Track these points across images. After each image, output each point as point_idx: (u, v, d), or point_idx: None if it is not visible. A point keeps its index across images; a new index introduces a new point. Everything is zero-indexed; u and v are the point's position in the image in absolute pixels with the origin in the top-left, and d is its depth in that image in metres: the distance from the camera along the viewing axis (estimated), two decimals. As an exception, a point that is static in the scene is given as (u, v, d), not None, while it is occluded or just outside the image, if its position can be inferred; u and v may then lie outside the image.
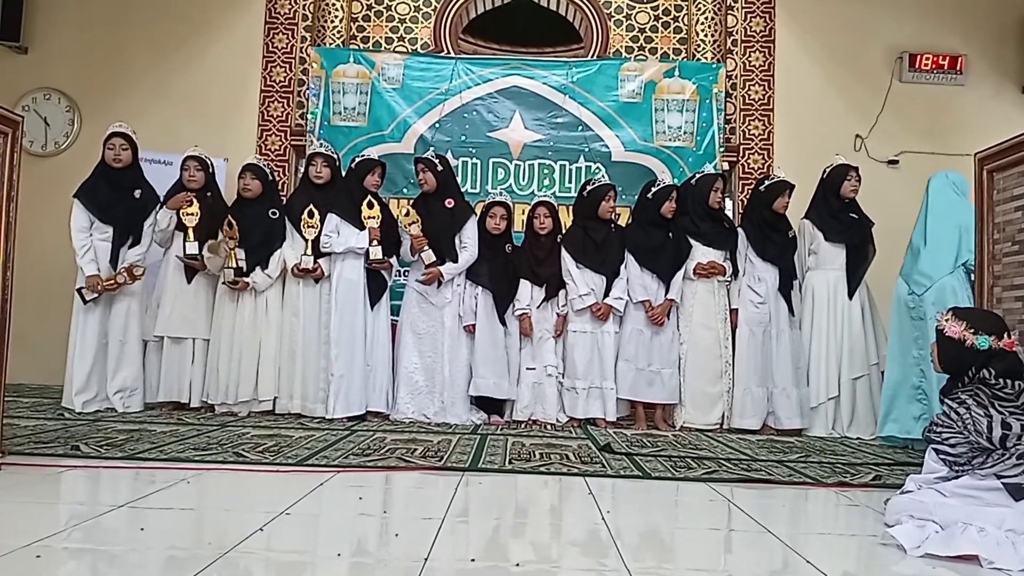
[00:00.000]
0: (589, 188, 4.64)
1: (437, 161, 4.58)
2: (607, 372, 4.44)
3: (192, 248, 4.38)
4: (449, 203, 4.55)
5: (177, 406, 4.43)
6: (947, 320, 2.30)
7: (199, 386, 4.43)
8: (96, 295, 4.23)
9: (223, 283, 4.38)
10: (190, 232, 4.37)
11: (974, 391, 2.18)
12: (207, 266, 4.42)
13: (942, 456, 2.16)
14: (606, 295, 4.48)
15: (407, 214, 4.48)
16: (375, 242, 4.37)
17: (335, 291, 4.36)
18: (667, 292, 4.47)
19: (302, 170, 4.93)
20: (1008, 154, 3.00)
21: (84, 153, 5.31)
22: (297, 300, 4.41)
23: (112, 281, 4.23)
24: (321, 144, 4.81)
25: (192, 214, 4.38)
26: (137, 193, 4.40)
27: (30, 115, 5.87)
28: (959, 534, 1.93)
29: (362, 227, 4.38)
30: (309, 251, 4.35)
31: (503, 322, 4.51)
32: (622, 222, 4.97)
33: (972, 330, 2.23)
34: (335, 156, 4.66)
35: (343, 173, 4.67)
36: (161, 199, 4.50)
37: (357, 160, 4.60)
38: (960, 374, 2.25)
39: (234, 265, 4.34)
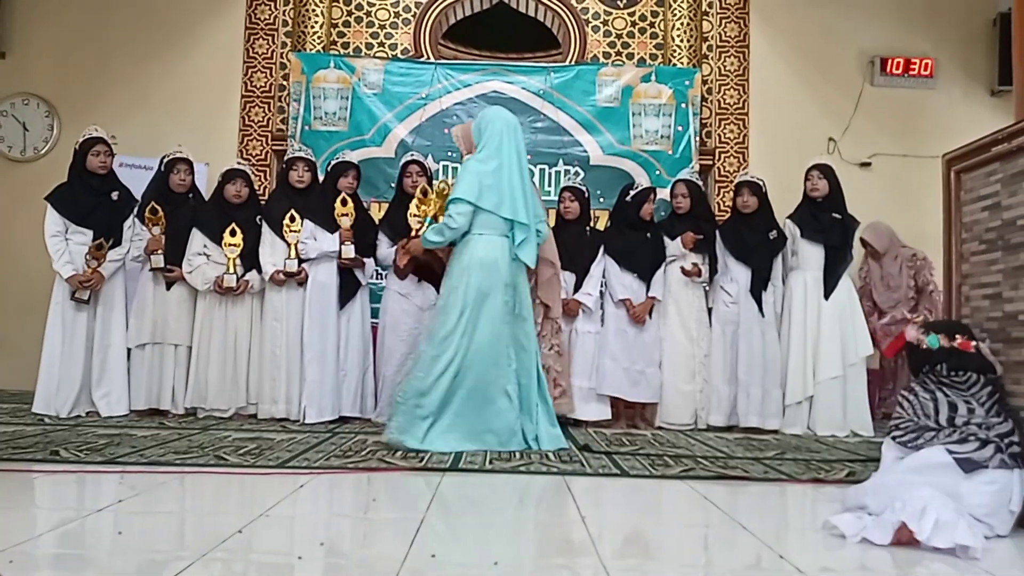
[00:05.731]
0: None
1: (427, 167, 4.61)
2: (575, 370, 4.45)
3: (158, 261, 4.39)
4: None
5: (157, 412, 4.41)
6: (913, 328, 2.44)
7: (181, 392, 4.42)
8: (88, 293, 4.24)
9: (218, 290, 4.37)
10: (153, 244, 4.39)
11: (923, 379, 2.33)
12: (185, 277, 4.42)
13: (899, 442, 2.28)
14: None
15: (425, 195, 4.12)
16: (348, 241, 4.37)
17: (308, 295, 4.36)
18: (648, 291, 4.52)
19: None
20: (975, 155, 3.06)
21: (63, 158, 5.25)
22: (279, 304, 4.40)
23: (86, 274, 4.22)
24: (301, 148, 4.82)
25: (156, 223, 4.39)
26: (114, 195, 4.40)
27: (8, 120, 5.82)
28: (886, 519, 1.99)
29: (336, 230, 4.39)
30: (293, 255, 4.36)
31: None
32: (601, 225, 5.01)
33: (924, 332, 2.36)
34: (315, 161, 4.66)
35: (320, 178, 4.68)
36: (139, 201, 4.49)
37: (332, 163, 4.61)
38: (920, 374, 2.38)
39: (234, 271, 4.36)
